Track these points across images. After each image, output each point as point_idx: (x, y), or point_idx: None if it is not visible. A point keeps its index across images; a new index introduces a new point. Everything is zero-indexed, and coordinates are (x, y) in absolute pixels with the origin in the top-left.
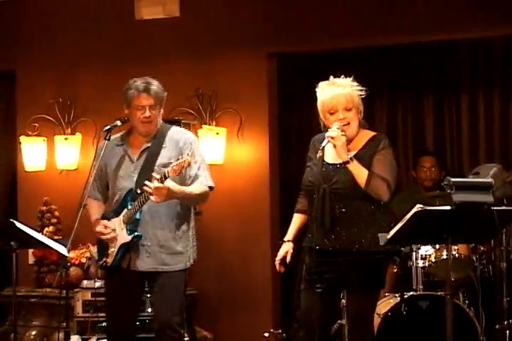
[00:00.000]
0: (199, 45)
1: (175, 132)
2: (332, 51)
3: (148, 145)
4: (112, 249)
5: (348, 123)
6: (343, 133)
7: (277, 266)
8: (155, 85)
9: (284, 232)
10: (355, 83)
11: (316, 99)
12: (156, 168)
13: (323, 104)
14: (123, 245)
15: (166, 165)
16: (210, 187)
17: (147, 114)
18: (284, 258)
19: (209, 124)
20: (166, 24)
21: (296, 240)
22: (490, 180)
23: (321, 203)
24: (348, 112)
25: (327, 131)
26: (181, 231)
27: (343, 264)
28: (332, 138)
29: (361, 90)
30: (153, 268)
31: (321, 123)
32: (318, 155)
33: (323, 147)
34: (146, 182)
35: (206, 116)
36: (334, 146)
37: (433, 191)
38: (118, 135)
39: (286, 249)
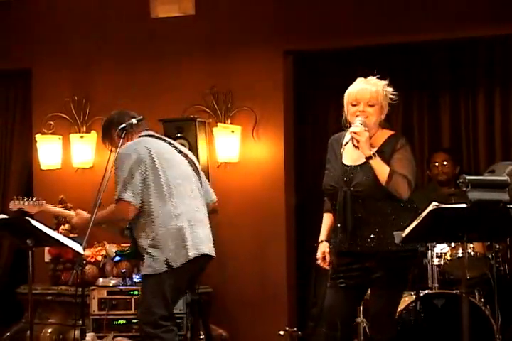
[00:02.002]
0: (214, 43)
1: None
2: (349, 49)
3: None
4: None
5: (367, 117)
6: (366, 129)
7: (322, 265)
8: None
9: (300, 230)
10: (390, 89)
11: (332, 96)
12: None
13: (348, 96)
14: None
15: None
16: (118, 200)
17: None
18: (323, 258)
19: (224, 122)
20: (181, 22)
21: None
22: (506, 177)
23: (342, 207)
24: (369, 107)
25: (348, 126)
26: (143, 239)
27: (368, 263)
28: (355, 133)
29: (393, 94)
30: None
31: (343, 115)
32: (341, 151)
33: (347, 142)
34: None
35: (221, 115)
36: (357, 142)
37: (448, 186)
38: None
39: (323, 249)
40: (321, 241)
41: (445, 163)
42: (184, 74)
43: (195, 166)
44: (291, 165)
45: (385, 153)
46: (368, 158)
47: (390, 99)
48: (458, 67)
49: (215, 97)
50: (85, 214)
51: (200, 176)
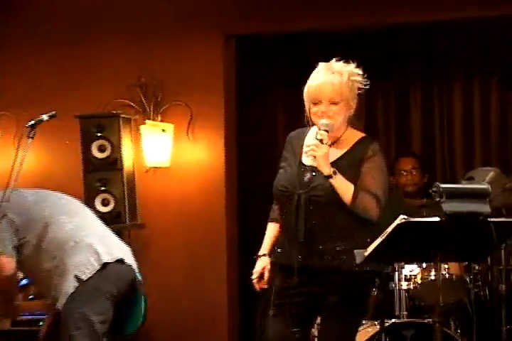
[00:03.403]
0: (142, 25)
1: None
2: (301, 32)
3: None
4: None
5: (331, 118)
6: (327, 142)
7: (256, 285)
8: None
9: (244, 248)
10: (358, 71)
11: (283, 88)
12: None
13: (308, 92)
14: None
15: None
16: None
17: None
18: (262, 275)
19: (153, 119)
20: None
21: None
22: (486, 186)
23: (295, 212)
24: (333, 106)
25: (311, 125)
26: (50, 278)
27: (319, 285)
28: (312, 148)
29: (362, 82)
30: None
31: (305, 112)
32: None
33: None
34: None
35: (150, 110)
36: (314, 157)
37: (416, 198)
38: None
39: (263, 264)
40: (263, 255)
41: (413, 171)
42: (106, 62)
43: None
44: (234, 170)
45: (353, 159)
46: (328, 177)
47: (359, 88)
48: (431, 55)
49: (143, 89)
50: None
51: None
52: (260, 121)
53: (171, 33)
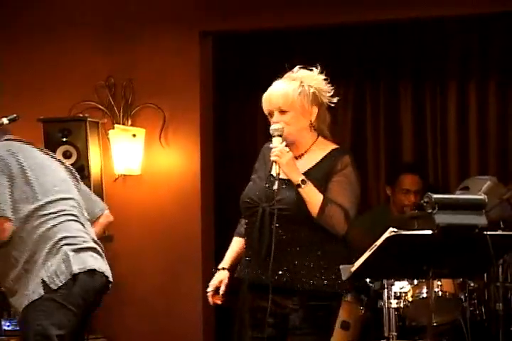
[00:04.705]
0: (111, 21)
1: None
2: (285, 29)
3: None
4: None
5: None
6: (287, 148)
7: (210, 299)
8: None
9: (221, 261)
10: (318, 77)
11: (264, 89)
12: None
13: (262, 104)
14: None
15: None
16: None
17: None
18: (218, 289)
19: (123, 123)
20: None
21: (234, 269)
22: (482, 196)
23: (258, 227)
24: (283, 115)
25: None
26: (10, 269)
27: (285, 304)
28: (276, 154)
29: (322, 88)
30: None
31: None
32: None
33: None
34: None
35: (119, 113)
36: (277, 164)
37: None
38: None
39: (221, 278)
40: (222, 269)
41: (419, 192)
42: (72, 61)
43: (75, 175)
44: (211, 178)
45: (321, 172)
46: (297, 186)
47: (320, 93)
48: (423, 52)
49: (112, 90)
50: None
51: (81, 188)
52: (240, 125)
53: (142, 29)
